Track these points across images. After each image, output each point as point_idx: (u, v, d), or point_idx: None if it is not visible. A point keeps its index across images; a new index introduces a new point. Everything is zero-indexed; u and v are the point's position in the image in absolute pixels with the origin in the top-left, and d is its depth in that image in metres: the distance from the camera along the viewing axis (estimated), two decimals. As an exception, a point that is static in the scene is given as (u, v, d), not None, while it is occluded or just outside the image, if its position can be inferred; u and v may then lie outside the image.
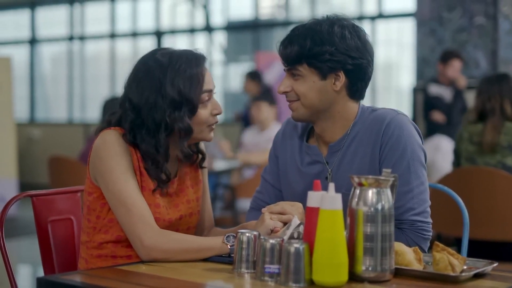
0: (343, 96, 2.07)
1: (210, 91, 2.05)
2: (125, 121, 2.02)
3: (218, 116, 2.08)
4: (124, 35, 11.13)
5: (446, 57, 6.59)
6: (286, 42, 2.06)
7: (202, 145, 2.20)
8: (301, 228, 1.75)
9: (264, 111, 6.09)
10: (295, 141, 2.19)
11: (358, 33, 2.05)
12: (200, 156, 2.18)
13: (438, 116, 6.43)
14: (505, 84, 3.72)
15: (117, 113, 2.06)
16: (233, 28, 10.55)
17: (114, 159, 1.97)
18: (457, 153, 3.90)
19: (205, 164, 2.21)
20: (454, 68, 6.51)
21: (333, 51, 2.00)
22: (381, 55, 9.10)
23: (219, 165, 5.96)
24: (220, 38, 10.56)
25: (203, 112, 2.03)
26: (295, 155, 2.17)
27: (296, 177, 2.15)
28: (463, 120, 4.01)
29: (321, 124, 2.10)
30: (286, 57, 2.05)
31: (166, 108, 1.97)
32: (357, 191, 1.64)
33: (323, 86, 2.04)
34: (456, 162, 3.91)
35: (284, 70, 2.09)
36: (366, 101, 2.17)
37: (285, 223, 1.91)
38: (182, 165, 2.15)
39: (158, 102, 1.98)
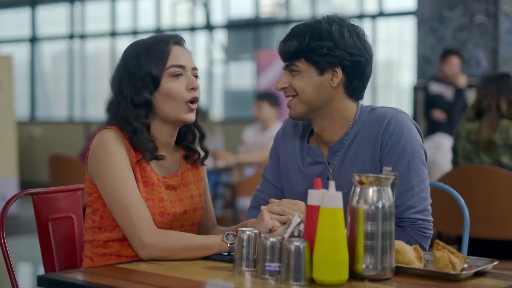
0: (340, 94, 2.07)
1: (181, 66, 2.04)
2: (110, 107, 2.07)
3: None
4: (125, 34, 11.12)
5: (444, 54, 6.60)
6: (286, 39, 2.07)
7: (206, 142, 2.21)
8: (302, 226, 1.75)
9: (265, 110, 6.10)
10: (296, 141, 2.19)
11: (357, 33, 2.05)
12: (202, 153, 2.19)
13: (439, 115, 6.43)
14: (503, 83, 3.73)
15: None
16: (234, 26, 10.55)
17: (111, 158, 1.97)
18: (455, 151, 3.91)
19: (206, 162, 2.21)
20: (451, 65, 6.51)
21: (331, 46, 2.01)
22: (381, 53, 9.10)
23: (219, 163, 5.97)
24: (221, 36, 10.56)
25: (173, 85, 2.03)
26: (296, 155, 2.17)
27: (297, 177, 2.15)
28: (462, 117, 4.01)
29: (319, 122, 2.10)
30: (285, 53, 2.06)
31: (129, 84, 2.03)
32: (358, 190, 1.64)
33: (321, 81, 2.04)
34: (454, 160, 3.92)
35: (283, 68, 2.10)
36: (366, 100, 2.17)
37: (284, 223, 1.91)
38: (183, 160, 2.16)
39: (124, 80, 2.04)
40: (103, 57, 11.47)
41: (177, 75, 2.03)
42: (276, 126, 6.03)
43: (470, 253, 2.29)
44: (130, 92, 2.02)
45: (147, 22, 10.92)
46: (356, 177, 1.65)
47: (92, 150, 2.02)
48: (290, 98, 2.08)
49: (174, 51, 2.05)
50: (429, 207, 2.03)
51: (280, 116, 6.36)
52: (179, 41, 2.08)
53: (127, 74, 2.04)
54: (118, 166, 1.97)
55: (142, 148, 2.02)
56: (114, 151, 1.98)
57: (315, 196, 1.65)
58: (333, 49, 2.01)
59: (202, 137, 2.18)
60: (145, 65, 2.02)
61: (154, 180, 2.03)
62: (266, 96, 6.25)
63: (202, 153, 2.20)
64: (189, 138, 2.17)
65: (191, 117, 2.06)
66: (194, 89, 2.04)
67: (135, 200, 1.95)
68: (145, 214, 1.94)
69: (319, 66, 2.03)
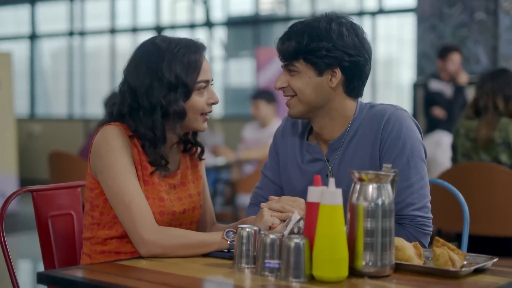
0: (339, 93, 2.07)
1: (207, 82, 2.05)
2: (123, 104, 2.03)
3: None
4: (124, 31, 11.12)
5: (445, 52, 6.58)
6: (284, 38, 2.06)
7: (200, 138, 2.21)
8: (302, 223, 1.75)
9: (262, 108, 6.10)
10: (296, 139, 2.19)
11: (356, 31, 2.05)
12: (199, 148, 2.19)
13: (438, 112, 6.43)
14: (499, 80, 3.71)
15: (117, 103, 2.07)
16: (233, 23, 10.54)
17: (114, 155, 1.97)
18: (454, 148, 3.90)
19: (206, 155, 2.22)
20: (454, 62, 6.51)
21: (330, 47, 2.00)
22: (381, 50, 9.09)
23: (219, 160, 5.96)
24: (220, 33, 10.55)
25: (198, 100, 2.03)
26: (295, 152, 2.17)
27: (296, 174, 2.15)
28: (461, 115, 4.01)
29: (318, 121, 2.10)
30: (283, 53, 2.05)
31: (162, 91, 1.99)
32: (358, 186, 1.64)
33: (319, 82, 2.04)
34: (454, 158, 3.91)
35: (281, 66, 2.10)
36: (366, 97, 2.17)
37: (284, 220, 1.91)
38: (183, 159, 2.15)
39: (154, 85, 1.99)
40: (102, 54, 11.46)
41: (203, 89, 2.04)
42: (275, 123, 6.03)
43: (470, 250, 2.29)
44: (163, 100, 1.98)
45: (146, 19, 10.91)
46: (356, 174, 1.65)
47: (95, 145, 2.01)
48: (289, 97, 2.08)
49: (204, 64, 2.04)
50: (429, 204, 2.03)
51: (278, 112, 6.35)
52: (205, 52, 2.08)
53: (157, 79, 1.99)
54: (120, 163, 1.97)
55: (156, 161, 2.01)
56: (117, 147, 1.98)
57: (314, 193, 1.65)
58: (332, 50, 2.01)
59: (195, 132, 2.19)
60: (180, 73, 1.99)
61: (154, 179, 2.03)
62: (261, 94, 6.24)
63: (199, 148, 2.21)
64: (188, 133, 2.17)
65: (205, 126, 2.08)
66: (213, 103, 2.06)
67: (137, 197, 1.95)
68: (146, 211, 1.94)
69: (318, 67, 2.02)
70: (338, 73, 2.03)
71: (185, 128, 2.07)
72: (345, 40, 2.01)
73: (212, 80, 2.09)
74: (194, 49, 2.04)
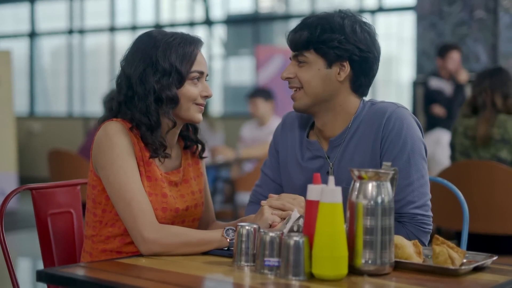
0: (346, 88, 2.07)
1: (201, 73, 2.06)
2: (119, 94, 2.05)
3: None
4: (124, 29, 11.11)
5: (444, 50, 6.59)
6: (297, 28, 2.07)
7: (200, 135, 2.21)
8: (301, 221, 1.75)
9: (260, 106, 6.09)
10: (296, 136, 2.19)
11: (368, 30, 2.07)
12: (200, 146, 2.19)
13: (438, 110, 6.43)
14: (497, 78, 3.72)
15: (115, 98, 2.07)
16: (233, 21, 10.54)
17: (116, 151, 1.97)
18: (453, 146, 3.91)
19: (205, 154, 2.22)
20: (454, 60, 6.51)
21: (342, 39, 2.02)
22: (381, 49, 9.09)
23: (219, 158, 5.96)
24: (220, 31, 10.55)
25: (191, 89, 2.04)
26: (295, 149, 2.17)
27: (296, 171, 2.15)
28: (459, 113, 4.02)
29: (322, 116, 2.10)
30: (295, 42, 2.06)
31: (155, 76, 2.00)
32: (357, 184, 1.64)
33: (328, 74, 2.04)
34: (452, 156, 3.91)
35: (290, 57, 2.10)
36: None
37: (284, 219, 1.91)
38: (184, 156, 2.15)
39: (148, 70, 2.01)
40: (102, 52, 11.46)
41: (196, 80, 2.05)
42: (273, 121, 6.02)
43: (469, 248, 2.29)
44: (156, 85, 2.00)
45: (146, 17, 10.91)
46: (356, 172, 1.65)
47: (97, 141, 2.01)
48: (295, 89, 2.08)
49: (198, 57, 2.06)
50: (429, 202, 2.03)
51: (276, 110, 6.35)
52: (201, 46, 2.10)
53: (151, 65, 2.01)
54: (122, 159, 1.96)
55: (154, 145, 2.01)
56: (119, 143, 1.97)
57: (314, 191, 1.65)
58: (343, 43, 2.02)
59: (196, 130, 2.19)
60: (175, 61, 2.01)
61: (157, 175, 2.03)
62: (258, 92, 6.24)
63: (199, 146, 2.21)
64: (189, 131, 2.18)
65: (200, 117, 2.08)
66: (207, 96, 2.07)
67: (138, 194, 1.94)
68: (147, 209, 1.94)
69: (328, 58, 2.03)
70: (347, 67, 2.04)
71: (180, 118, 2.06)
72: (357, 35, 2.03)
73: (207, 75, 2.10)
74: (190, 41, 2.06)
